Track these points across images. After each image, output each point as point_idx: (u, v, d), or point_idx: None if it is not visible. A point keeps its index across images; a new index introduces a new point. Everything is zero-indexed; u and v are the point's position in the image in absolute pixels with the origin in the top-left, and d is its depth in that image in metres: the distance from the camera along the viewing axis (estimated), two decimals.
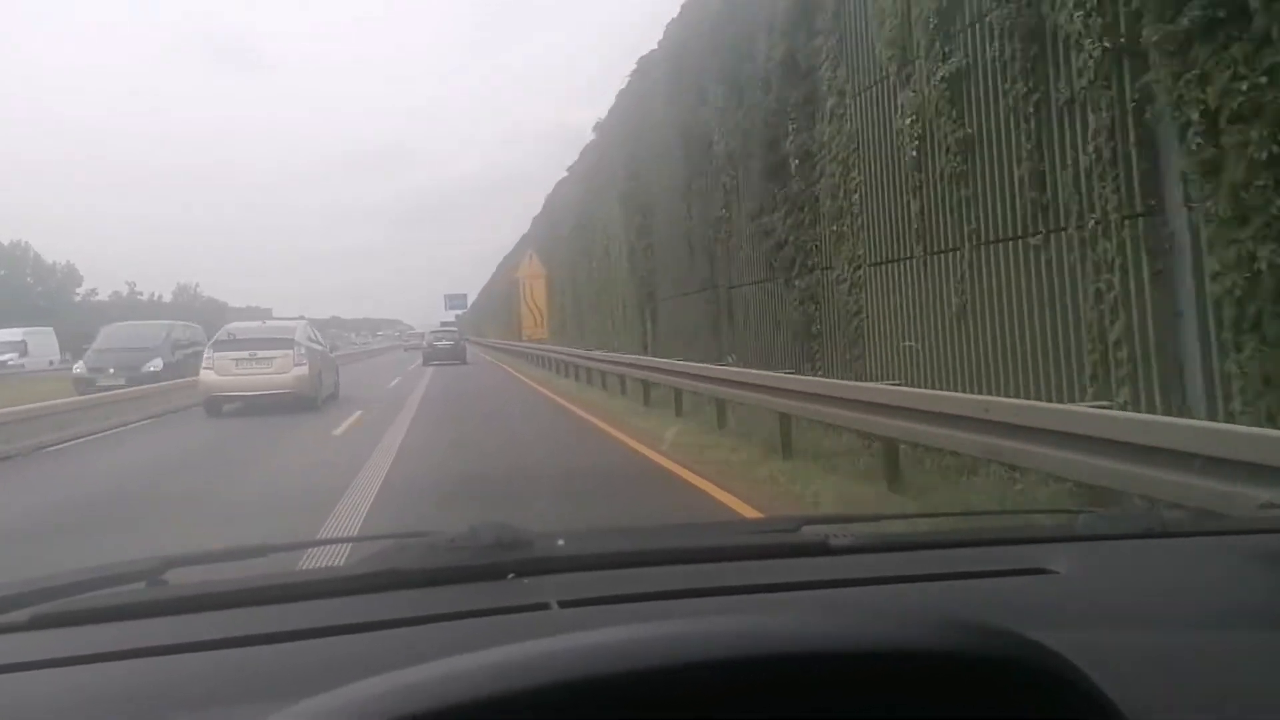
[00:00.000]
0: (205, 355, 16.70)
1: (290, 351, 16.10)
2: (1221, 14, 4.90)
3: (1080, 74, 6.20)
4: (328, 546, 3.91)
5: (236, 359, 15.96)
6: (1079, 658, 0.66)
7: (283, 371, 15.85)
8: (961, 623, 0.67)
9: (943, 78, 7.86)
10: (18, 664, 1.04)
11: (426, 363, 33.80)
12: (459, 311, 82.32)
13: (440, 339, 36.41)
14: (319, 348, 18.01)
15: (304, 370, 16.08)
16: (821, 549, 1.45)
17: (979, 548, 1.52)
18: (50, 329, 47.19)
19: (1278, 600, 1.18)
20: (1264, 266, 4.76)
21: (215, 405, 15.91)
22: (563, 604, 1.18)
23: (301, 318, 23.18)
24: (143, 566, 1.38)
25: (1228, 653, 1.02)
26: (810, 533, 1.58)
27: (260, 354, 16.00)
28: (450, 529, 1.37)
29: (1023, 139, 6.90)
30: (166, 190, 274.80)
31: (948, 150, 7.86)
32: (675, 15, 17.25)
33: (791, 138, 11.12)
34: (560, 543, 1.41)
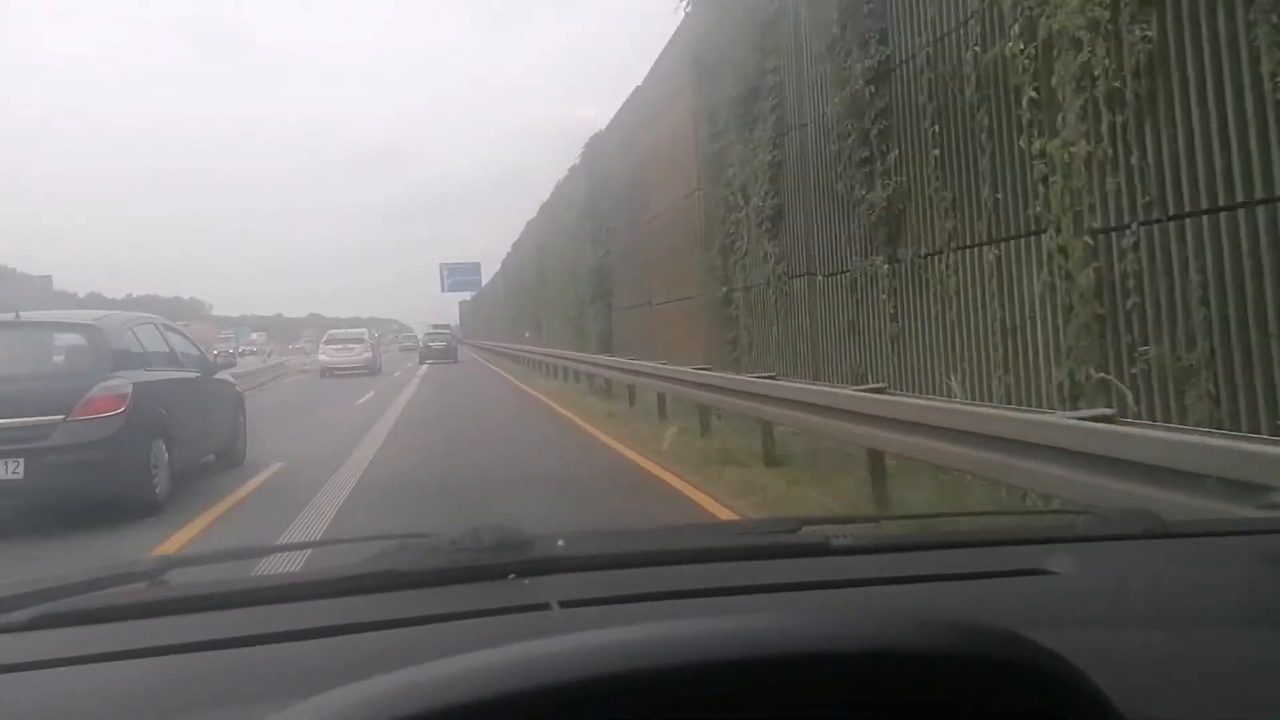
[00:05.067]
0: (320, 346, 33.16)
1: (362, 344, 31.86)
2: None
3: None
4: (326, 547, 3.91)
5: (336, 348, 31.46)
6: (1078, 658, 0.66)
7: (359, 355, 31.07)
8: (961, 624, 0.67)
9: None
10: (18, 664, 1.04)
11: (422, 361, 38.84)
12: (465, 295, 63.30)
13: (434, 340, 41.45)
14: (374, 342, 34.24)
15: (370, 355, 31.50)
16: (822, 549, 1.45)
17: (979, 548, 1.52)
18: None
19: (1278, 600, 1.18)
20: None
21: (325, 373, 29.88)
22: (563, 604, 1.17)
23: (364, 327, 40.44)
24: (143, 567, 1.38)
25: (1228, 653, 1.02)
26: (810, 533, 1.58)
27: (348, 346, 31.64)
28: (451, 530, 1.37)
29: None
30: (162, 190, 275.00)
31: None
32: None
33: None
34: (561, 543, 1.41)
